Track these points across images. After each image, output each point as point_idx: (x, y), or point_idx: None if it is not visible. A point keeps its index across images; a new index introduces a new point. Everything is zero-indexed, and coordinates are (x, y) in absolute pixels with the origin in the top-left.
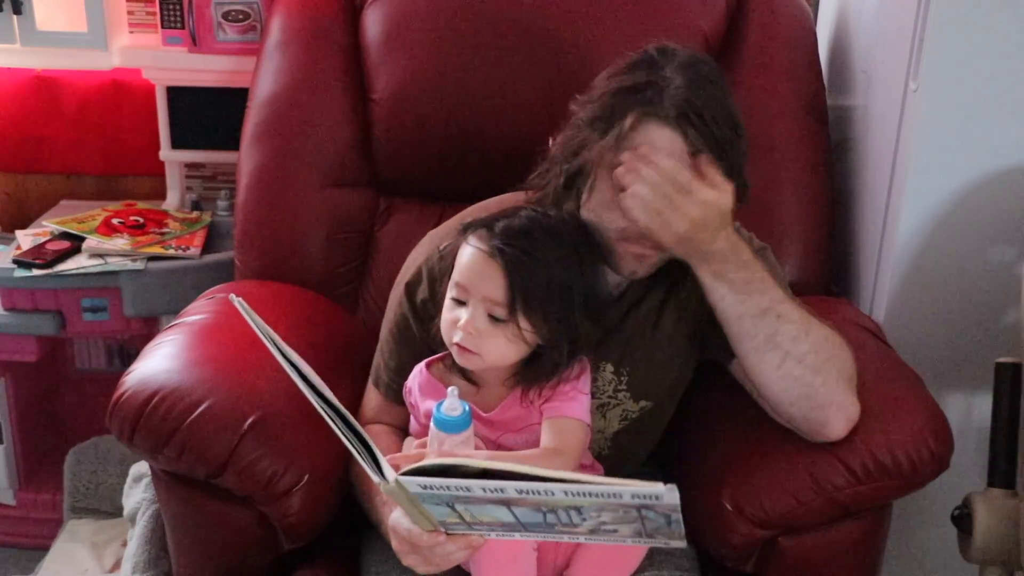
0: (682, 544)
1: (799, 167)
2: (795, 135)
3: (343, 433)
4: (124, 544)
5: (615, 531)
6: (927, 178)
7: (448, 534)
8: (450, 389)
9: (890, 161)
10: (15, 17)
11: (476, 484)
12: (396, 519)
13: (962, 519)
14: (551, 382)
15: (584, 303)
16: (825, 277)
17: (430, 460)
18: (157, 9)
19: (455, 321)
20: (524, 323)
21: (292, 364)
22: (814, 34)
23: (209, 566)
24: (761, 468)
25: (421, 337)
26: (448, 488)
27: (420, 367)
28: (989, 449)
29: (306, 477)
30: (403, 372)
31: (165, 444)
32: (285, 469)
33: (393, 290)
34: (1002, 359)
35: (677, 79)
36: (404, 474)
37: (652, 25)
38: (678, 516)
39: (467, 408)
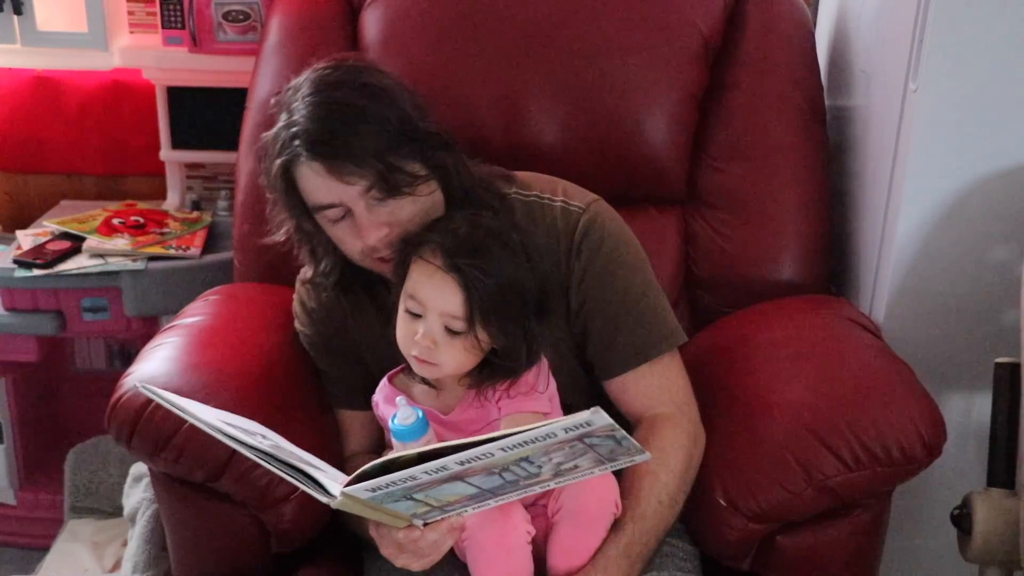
0: (646, 457)
1: (797, 167)
2: (793, 135)
3: (277, 469)
4: (124, 544)
5: (576, 467)
6: (927, 178)
7: (426, 524)
8: (398, 399)
9: (890, 161)
10: (15, 17)
11: (418, 470)
12: (376, 528)
13: (962, 519)
14: (507, 381)
15: (537, 305)
16: (824, 277)
17: (365, 466)
18: (157, 9)
19: (412, 334)
20: (481, 334)
21: (214, 427)
22: (812, 34)
23: (208, 566)
24: (752, 461)
25: (325, 343)
26: (395, 483)
27: (383, 381)
28: (989, 449)
29: None
30: (339, 380)
31: (163, 448)
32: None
33: None
34: (1002, 359)
35: (307, 112)
36: (347, 485)
37: (650, 25)
38: (622, 433)
39: (421, 414)
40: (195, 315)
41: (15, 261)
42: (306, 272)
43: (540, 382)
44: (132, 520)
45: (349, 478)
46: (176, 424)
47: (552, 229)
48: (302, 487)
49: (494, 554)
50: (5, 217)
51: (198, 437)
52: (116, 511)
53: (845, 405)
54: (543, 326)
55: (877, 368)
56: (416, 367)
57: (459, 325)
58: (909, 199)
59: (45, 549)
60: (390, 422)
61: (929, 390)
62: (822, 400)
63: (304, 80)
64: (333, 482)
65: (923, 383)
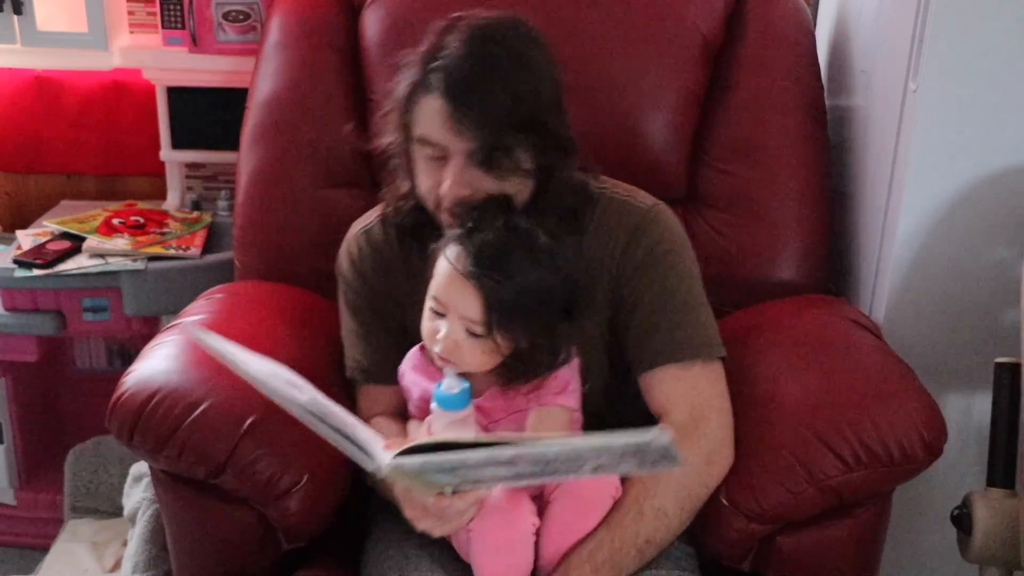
0: (679, 467)
1: (798, 167)
2: (794, 135)
3: (324, 430)
4: (124, 544)
5: (617, 466)
6: (927, 178)
7: (453, 492)
8: (448, 369)
9: (890, 161)
10: (15, 17)
11: (472, 455)
12: (404, 489)
13: (962, 519)
14: (534, 381)
15: (565, 310)
16: (824, 277)
17: (421, 439)
18: (157, 9)
19: (435, 332)
20: (500, 338)
21: (256, 378)
22: (812, 34)
23: (209, 566)
24: (753, 462)
25: (369, 302)
26: (446, 462)
27: (415, 350)
28: (989, 449)
29: (305, 477)
30: (377, 350)
31: (164, 444)
32: (284, 470)
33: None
34: (1002, 359)
35: (459, 54)
36: (398, 455)
37: (651, 26)
38: (674, 450)
39: (467, 386)
40: (197, 313)
41: (15, 261)
42: (364, 220)
43: (573, 380)
44: (132, 520)
45: (399, 450)
46: (177, 421)
47: (614, 221)
48: (346, 451)
49: (499, 544)
50: (5, 217)
51: (199, 433)
52: (116, 511)
53: (846, 405)
54: (573, 327)
55: (878, 368)
56: (439, 363)
57: (479, 329)
58: (909, 199)
59: (45, 549)
60: (435, 388)
61: (929, 390)
62: (823, 400)
63: (472, 21)
64: (380, 450)
65: (923, 383)
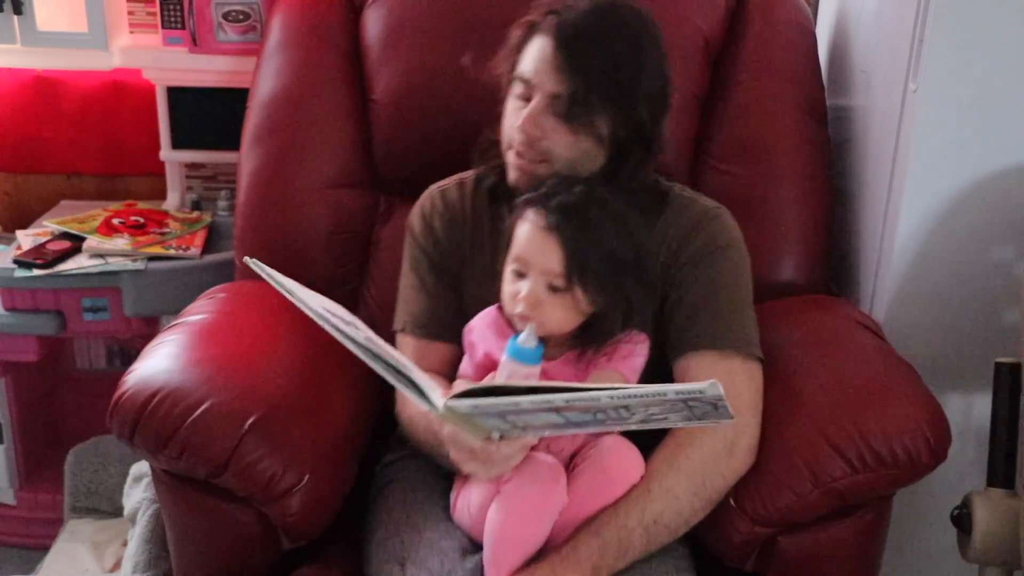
0: (731, 421)
1: (799, 167)
2: (795, 136)
3: (379, 368)
4: (124, 544)
5: (664, 419)
6: (927, 178)
7: (501, 438)
8: (531, 325)
9: (890, 161)
10: (15, 17)
11: (525, 400)
12: (452, 431)
13: (962, 519)
14: (606, 347)
15: (636, 275)
16: (824, 277)
17: (476, 385)
18: (157, 9)
19: (516, 293)
20: (580, 293)
21: (318, 313)
22: (813, 35)
23: (209, 566)
24: (760, 464)
25: (431, 257)
26: (500, 406)
27: (492, 308)
28: (989, 449)
29: (306, 477)
30: (432, 305)
31: (166, 444)
32: (285, 469)
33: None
34: (1002, 359)
35: (578, 8)
36: (453, 398)
37: None
38: (724, 403)
39: (541, 345)
40: (198, 313)
41: (15, 261)
42: (443, 182)
43: (639, 356)
44: (132, 520)
45: (455, 392)
46: (179, 420)
47: (676, 214)
48: (404, 390)
49: (527, 512)
50: (5, 217)
51: (200, 433)
52: (116, 511)
53: (852, 407)
54: (644, 294)
55: (882, 370)
56: (519, 325)
57: (559, 282)
58: (909, 199)
59: (45, 549)
60: (510, 340)
61: (929, 389)
62: (829, 402)
63: None
64: (435, 391)
65: (920, 377)
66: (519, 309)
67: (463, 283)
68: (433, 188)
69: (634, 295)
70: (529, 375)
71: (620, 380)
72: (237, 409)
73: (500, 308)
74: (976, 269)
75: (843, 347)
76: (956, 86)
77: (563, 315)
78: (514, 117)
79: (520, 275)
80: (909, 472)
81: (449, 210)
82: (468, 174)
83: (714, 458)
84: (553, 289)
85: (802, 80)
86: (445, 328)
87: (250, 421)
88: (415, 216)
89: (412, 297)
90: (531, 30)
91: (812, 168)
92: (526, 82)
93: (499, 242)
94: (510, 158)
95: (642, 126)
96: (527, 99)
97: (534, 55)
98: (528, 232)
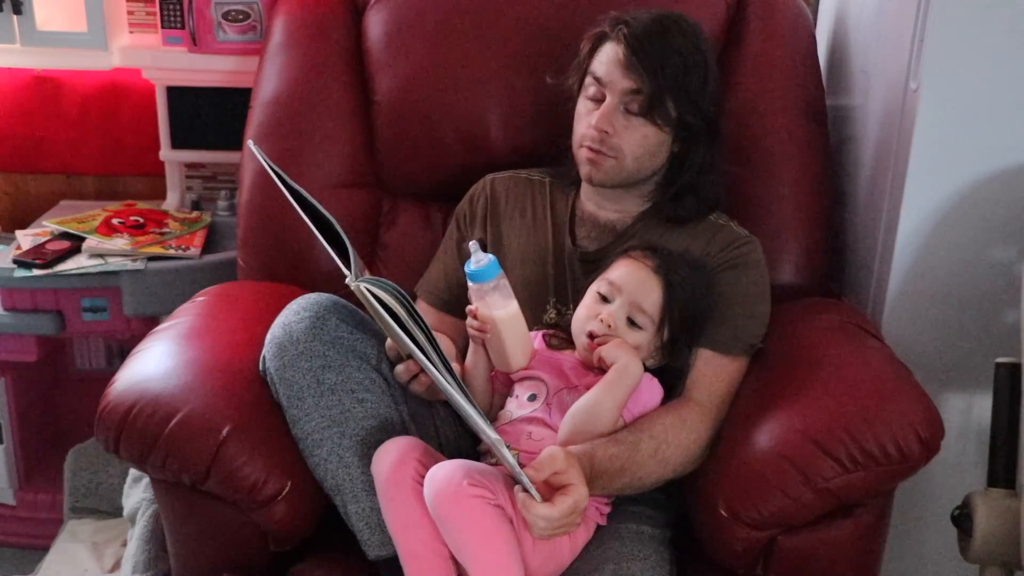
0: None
1: (799, 168)
2: (795, 136)
3: (325, 239)
4: (124, 544)
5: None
6: (927, 178)
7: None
8: (471, 244)
9: (890, 161)
10: (15, 17)
11: (403, 336)
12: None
13: (962, 519)
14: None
15: (699, 329)
16: (824, 277)
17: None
18: (157, 9)
19: (596, 314)
20: (652, 332)
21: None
22: (813, 35)
23: (208, 566)
24: (751, 469)
25: (466, 235)
26: (388, 324)
27: (536, 334)
28: (989, 449)
29: (289, 485)
30: (454, 280)
31: (148, 454)
32: (267, 477)
33: None
34: (1002, 359)
35: (643, 18)
36: (366, 281)
37: None
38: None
39: (493, 258)
40: (181, 317)
41: (15, 261)
42: (499, 172)
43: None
44: (132, 520)
45: (370, 277)
46: (157, 430)
47: (710, 232)
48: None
49: (540, 547)
50: (5, 217)
51: (179, 441)
52: (116, 511)
53: (840, 408)
54: (693, 336)
55: (872, 370)
56: (581, 347)
57: (642, 320)
58: (909, 199)
59: (45, 549)
60: (466, 266)
61: (929, 390)
62: (817, 404)
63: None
64: (355, 264)
65: (923, 383)
66: (591, 327)
67: (501, 237)
68: (488, 175)
69: (687, 345)
70: (495, 287)
71: (559, 457)
72: (213, 417)
73: (546, 335)
74: (976, 269)
75: (833, 354)
76: (956, 86)
77: (629, 351)
78: (587, 117)
79: (605, 300)
80: (902, 467)
81: (495, 195)
82: (524, 171)
83: (700, 441)
84: (630, 323)
85: (802, 80)
86: (462, 305)
87: (226, 430)
88: (465, 197)
89: (438, 270)
90: (600, 39)
91: (812, 168)
92: (598, 81)
93: (547, 222)
94: (582, 155)
95: (709, 121)
96: (599, 100)
97: (606, 57)
98: (633, 267)
